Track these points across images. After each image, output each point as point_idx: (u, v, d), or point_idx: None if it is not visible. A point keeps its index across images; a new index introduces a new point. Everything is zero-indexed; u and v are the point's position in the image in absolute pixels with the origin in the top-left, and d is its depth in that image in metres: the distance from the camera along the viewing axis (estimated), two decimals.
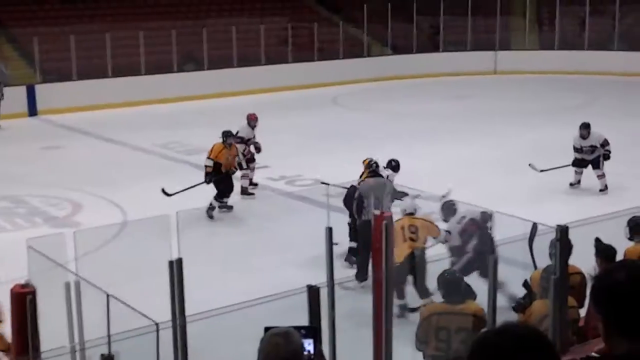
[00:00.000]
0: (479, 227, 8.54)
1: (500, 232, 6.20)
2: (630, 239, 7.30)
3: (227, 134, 12.54)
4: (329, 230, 6.95)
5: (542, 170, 13.26)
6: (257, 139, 13.66)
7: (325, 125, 18.84)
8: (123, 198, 12.75)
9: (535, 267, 6.85)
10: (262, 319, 4.36)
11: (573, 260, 6.32)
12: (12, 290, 5.46)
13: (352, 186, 9.80)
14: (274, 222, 11.85)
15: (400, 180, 10.63)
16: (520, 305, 6.23)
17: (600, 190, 13.00)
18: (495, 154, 15.54)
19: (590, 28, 27.58)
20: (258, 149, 13.66)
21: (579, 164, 13.19)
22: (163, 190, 11.84)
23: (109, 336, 5.20)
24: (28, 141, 17.97)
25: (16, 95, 20.76)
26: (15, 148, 17.02)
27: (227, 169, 12.25)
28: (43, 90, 21.54)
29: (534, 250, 7.07)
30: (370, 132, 17.81)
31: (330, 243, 6.78)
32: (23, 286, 5.45)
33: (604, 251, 6.72)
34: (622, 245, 7.15)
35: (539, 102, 22.04)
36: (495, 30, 28.43)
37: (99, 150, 17.15)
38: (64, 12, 24.36)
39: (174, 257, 5.49)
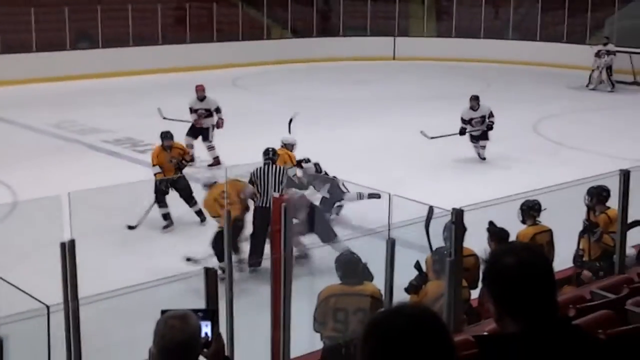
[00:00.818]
0: (307, 201, 9.57)
1: (398, 215, 6.25)
2: (523, 222, 7.51)
3: (163, 136, 11.29)
4: (228, 213, 6.89)
5: (432, 137, 13.99)
6: (221, 115, 14.06)
7: (224, 107, 18.62)
8: (13, 178, 12.31)
9: (432, 250, 6.95)
10: (159, 302, 4.27)
11: (467, 242, 6.44)
12: None
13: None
14: (171, 203, 11.65)
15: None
16: (413, 287, 6.29)
17: (482, 159, 14.01)
18: (394, 139, 15.72)
19: (486, 17, 28.22)
20: (218, 125, 13.97)
21: (472, 137, 14.03)
22: (129, 227, 10.45)
23: None
24: None
25: None
26: None
27: (174, 170, 11.11)
28: None
29: (430, 233, 7.17)
30: (269, 115, 17.72)
31: (228, 225, 6.72)
32: None
33: (497, 234, 6.89)
34: (514, 228, 7.35)
35: (436, 88, 22.42)
36: (394, 17, 28.75)
37: None
38: None
39: (66, 238, 5.33)
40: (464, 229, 6.18)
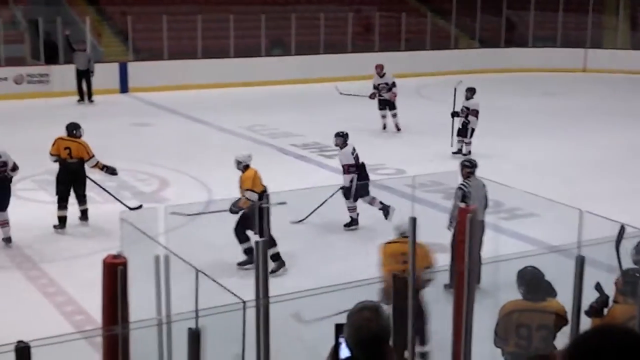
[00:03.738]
0: None
1: (588, 232, 6.12)
2: None
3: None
4: (413, 221, 6.97)
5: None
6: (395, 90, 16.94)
7: (407, 116, 18.78)
8: (208, 177, 13.01)
9: (622, 270, 6.75)
10: (336, 305, 4.45)
11: None
12: (104, 260, 5.57)
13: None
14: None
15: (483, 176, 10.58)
16: (593, 310, 6.09)
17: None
18: (582, 153, 15.30)
19: None
20: (391, 97, 16.83)
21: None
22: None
23: (196, 311, 5.32)
24: (119, 117, 18.45)
25: (109, 72, 21.39)
26: (107, 123, 17.35)
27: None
28: (135, 68, 22.08)
29: (621, 253, 6.96)
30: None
31: (414, 234, 6.80)
32: (115, 257, 5.55)
33: None
34: None
35: (628, 103, 21.54)
36: (586, 28, 27.86)
37: (186, 129, 17.50)
38: None
39: (259, 238, 5.59)
40: None
